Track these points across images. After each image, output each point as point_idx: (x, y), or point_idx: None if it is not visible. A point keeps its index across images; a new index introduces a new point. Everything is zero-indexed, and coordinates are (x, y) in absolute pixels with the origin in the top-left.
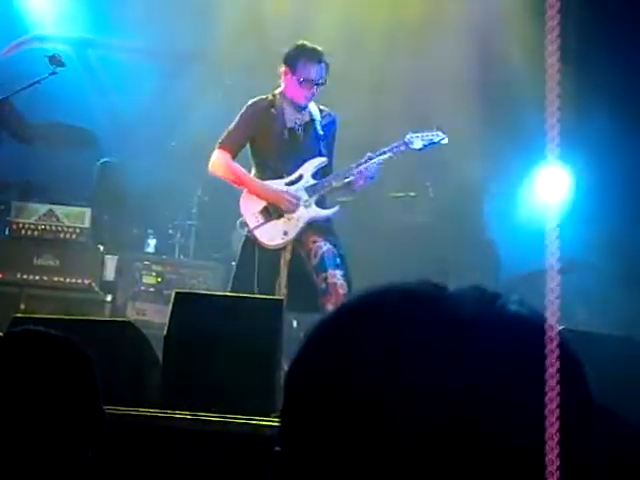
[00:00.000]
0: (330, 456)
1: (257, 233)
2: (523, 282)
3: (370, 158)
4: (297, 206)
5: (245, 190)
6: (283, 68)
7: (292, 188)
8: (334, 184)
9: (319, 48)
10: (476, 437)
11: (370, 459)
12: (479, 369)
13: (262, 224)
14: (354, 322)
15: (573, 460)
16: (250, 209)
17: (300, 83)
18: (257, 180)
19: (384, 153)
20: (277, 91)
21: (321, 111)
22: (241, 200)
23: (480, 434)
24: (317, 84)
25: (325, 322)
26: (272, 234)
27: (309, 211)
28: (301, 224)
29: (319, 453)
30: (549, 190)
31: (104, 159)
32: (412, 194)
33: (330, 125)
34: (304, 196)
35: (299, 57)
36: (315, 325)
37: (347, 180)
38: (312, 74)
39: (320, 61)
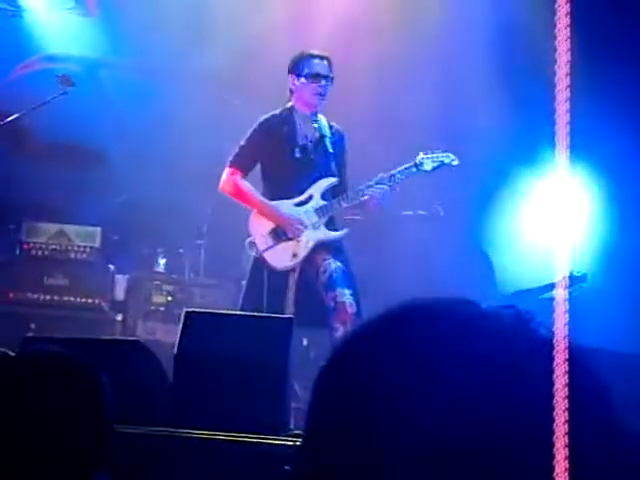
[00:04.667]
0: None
1: (266, 255)
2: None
3: (381, 181)
4: (302, 232)
5: (254, 210)
6: (290, 77)
7: (301, 209)
8: (344, 205)
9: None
10: (507, 456)
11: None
12: (516, 388)
13: (271, 246)
14: (393, 340)
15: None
16: (259, 230)
17: (307, 79)
18: (266, 201)
19: (394, 176)
20: (288, 105)
21: (331, 127)
22: (250, 220)
23: (512, 452)
24: (325, 77)
25: (358, 339)
26: (281, 256)
27: (318, 233)
28: (310, 245)
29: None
30: (557, 205)
31: (123, 197)
32: (422, 212)
33: (339, 142)
34: (313, 218)
35: (301, 57)
36: (347, 337)
37: (356, 202)
38: (316, 67)
39: (322, 58)
